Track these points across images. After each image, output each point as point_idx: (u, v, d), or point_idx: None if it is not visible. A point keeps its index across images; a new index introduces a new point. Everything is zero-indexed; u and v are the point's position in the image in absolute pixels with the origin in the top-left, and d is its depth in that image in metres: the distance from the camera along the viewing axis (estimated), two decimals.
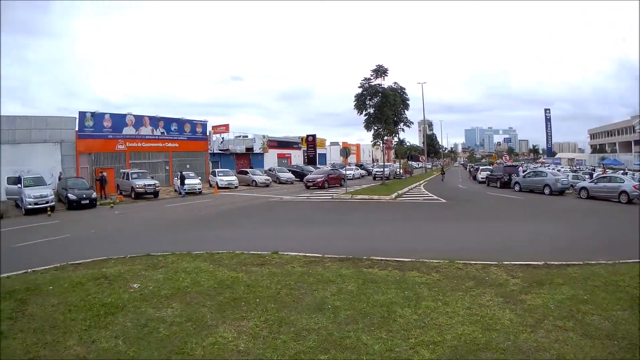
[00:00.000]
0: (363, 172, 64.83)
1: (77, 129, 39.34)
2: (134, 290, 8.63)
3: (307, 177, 44.23)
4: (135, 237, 17.48)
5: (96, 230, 19.25)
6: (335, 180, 42.62)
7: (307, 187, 40.50)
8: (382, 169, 52.39)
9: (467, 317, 6.67)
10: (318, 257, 11.10)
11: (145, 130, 44.95)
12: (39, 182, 28.78)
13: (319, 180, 40.97)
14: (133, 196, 33.59)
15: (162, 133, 46.50)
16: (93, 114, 40.73)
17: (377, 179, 52.24)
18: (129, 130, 43.34)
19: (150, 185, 34.06)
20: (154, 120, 45.98)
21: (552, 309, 7.03)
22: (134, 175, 35.23)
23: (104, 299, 8.06)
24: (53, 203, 27.00)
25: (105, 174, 36.14)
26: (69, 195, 28.38)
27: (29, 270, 10.98)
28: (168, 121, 47.49)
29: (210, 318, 6.94)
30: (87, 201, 28.54)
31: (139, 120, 44.52)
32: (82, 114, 39.90)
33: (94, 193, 30.26)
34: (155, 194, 34.36)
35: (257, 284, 8.68)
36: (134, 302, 7.86)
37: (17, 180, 29.37)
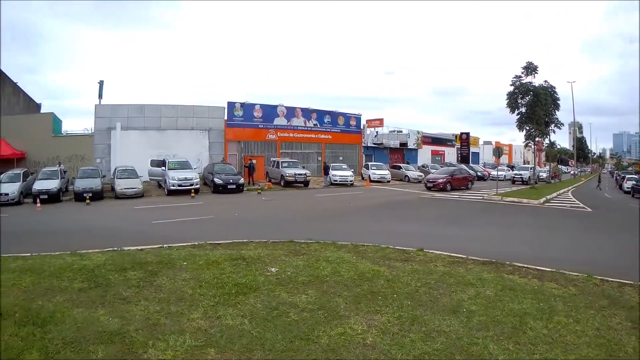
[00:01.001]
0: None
1: (225, 118, 41.75)
2: (270, 274, 8.78)
3: (427, 176, 38.62)
4: (280, 223, 17.85)
5: (240, 214, 20.00)
6: (460, 181, 37.24)
7: (428, 189, 34.57)
8: (520, 172, 48.85)
9: (595, 338, 6.16)
10: (462, 258, 10.70)
11: (297, 122, 46.24)
12: (184, 165, 30.71)
13: (440, 181, 34.91)
14: (282, 184, 34.56)
15: (315, 125, 47.58)
16: (242, 104, 42.88)
17: (516, 182, 46.97)
18: (280, 121, 44.93)
19: (301, 174, 34.76)
20: (307, 112, 47.15)
21: None
22: (285, 164, 36.35)
23: (238, 279, 8.28)
24: (197, 186, 28.73)
25: (254, 161, 37.57)
26: (215, 179, 29.76)
27: (164, 245, 11.67)
28: (321, 113, 48.48)
29: (344, 309, 6.91)
30: (234, 186, 29.86)
31: (291, 112, 45.92)
32: (230, 104, 42.20)
33: (242, 178, 31.42)
34: (306, 183, 35.06)
35: (397, 279, 8.51)
36: (269, 285, 8.05)
37: (161, 163, 31.38)
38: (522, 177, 46.78)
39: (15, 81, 56.78)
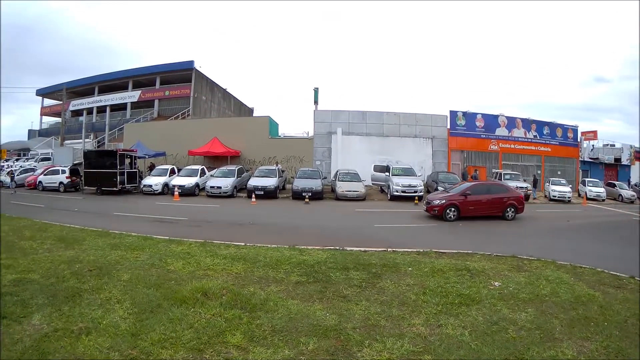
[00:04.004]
0: None
1: (448, 126, 41.55)
2: (494, 287, 8.84)
3: (429, 195, 25.11)
4: (501, 236, 17.56)
5: (463, 224, 19.86)
6: (484, 206, 21.76)
7: (430, 213, 21.58)
8: None
9: None
10: None
11: (518, 132, 44.59)
12: (408, 172, 30.89)
13: (435, 203, 21.25)
14: None
15: (535, 136, 45.44)
16: (465, 113, 42.49)
17: None
18: (501, 131, 43.79)
19: (522, 187, 32.83)
20: (526, 123, 45.23)
21: None
22: (507, 176, 35.29)
23: (462, 290, 8.46)
24: (421, 193, 28.49)
25: (478, 171, 37.40)
26: (439, 188, 29.05)
27: (388, 249, 12.14)
28: (540, 124, 46.12)
29: (559, 331, 6.83)
30: None
31: (512, 122, 44.44)
32: (453, 113, 42.00)
33: None
34: (526, 197, 32.04)
35: (609, 306, 8.16)
36: (491, 299, 8.12)
37: (384, 169, 32.14)
38: None
39: (224, 87, 62.92)
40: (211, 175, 31.64)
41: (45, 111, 68.87)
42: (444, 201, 21.12)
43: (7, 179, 34.95)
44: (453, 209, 20.77)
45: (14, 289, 8.13)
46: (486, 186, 23.68)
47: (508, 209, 21.94)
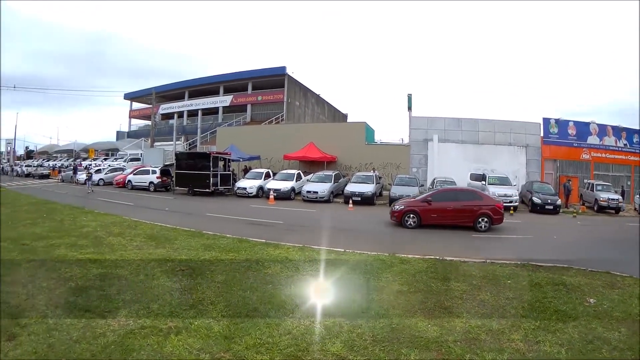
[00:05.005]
0: None
1: (541, 134, 40.17)
2: (589, 304, 8.59)
3: (395, 202, 22.44)
4: (595, 251, 16.40)
5: (557, 237, 19.16)
6: (450, 214, 19.66)
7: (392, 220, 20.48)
8: None
9: None
10: None
11: (609, 141, 42.28)
12: (504, 181, 30.47)
13: (395, 209, 20.29)
14: (595, 209, 31.87)
15: (625, 145, 42.99)
16: (557, 121, 40.97)
17: None
18: (592, 140, 41.72)
19: (614, 199, 31.79)
20: (617, 131, 42.89)
21: None
22: (599, 187, 33.37)
23: (559, 306, 8.26)
24: (516, 203, 28.09)
25: (570, 181, 35.86)
26: (534, 198, 28.86)
27: (486, 260, 11.96)
28: (630, 132, 43.54)
29: None
30: (551, 207, 28.22)
31: (602, 130, 42.27)
32: (546, 121, 40.55)
33: (559, 200, 29.74)
34: (617, 210, 31.87)
35: None
36: (586, 316, 7.83)
37: (480, 177, 31.68)
38: None
39: (317, 93, 64.06)
40: (307, 180, 31.90)
41: (133, 114, 72.94)
42: (402, 207, 19.91)
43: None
44: (412, 216, 19.49)
45: (100, 283, 8.56)
46: (454, 193, 21.54)
47: (480, 219, 19.41)
